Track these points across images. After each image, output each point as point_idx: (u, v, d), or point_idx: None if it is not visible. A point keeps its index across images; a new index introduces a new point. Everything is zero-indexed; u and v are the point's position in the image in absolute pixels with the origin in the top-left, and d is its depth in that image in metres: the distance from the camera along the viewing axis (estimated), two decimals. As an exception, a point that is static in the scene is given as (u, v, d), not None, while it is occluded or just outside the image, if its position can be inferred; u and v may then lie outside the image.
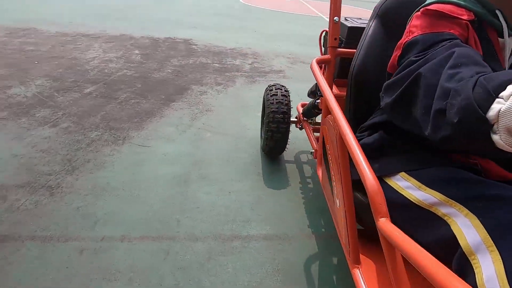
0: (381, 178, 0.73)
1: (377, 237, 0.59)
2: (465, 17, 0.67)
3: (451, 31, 0.65)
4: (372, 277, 0.76)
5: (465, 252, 0.53)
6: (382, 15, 0.96)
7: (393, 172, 0.74)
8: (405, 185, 0.70)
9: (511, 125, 0.37)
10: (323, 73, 1.17)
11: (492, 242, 0.50)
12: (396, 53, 0.74)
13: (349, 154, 0.71)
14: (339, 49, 1.13)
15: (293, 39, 5.13)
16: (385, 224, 0.55)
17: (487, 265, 0.48)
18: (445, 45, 0.61)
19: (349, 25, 1.24)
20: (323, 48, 1.42)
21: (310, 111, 1.49)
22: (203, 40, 4.44)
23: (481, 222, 0.53)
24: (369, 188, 0.59)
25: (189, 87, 2.83)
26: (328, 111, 0.90)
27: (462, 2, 0.68)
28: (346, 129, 0.71)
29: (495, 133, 0.40)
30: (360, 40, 0.99)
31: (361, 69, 0.95)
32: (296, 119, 1.71)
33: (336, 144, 0.79)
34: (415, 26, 0.71)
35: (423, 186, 0.66)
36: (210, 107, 2.47)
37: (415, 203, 0.66)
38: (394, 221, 0.58)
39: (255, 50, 4.24)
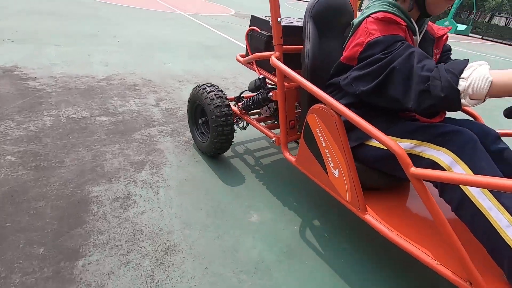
0: (363, 144, 1.05)
1: (371, 188, 1.09)
2: (403, 23, 0.95)
3: (400, 34, 0.93)
4: (380, 217, 1.00)
5: (446, 169, 0.84)
6: (315, 17, 1.21)
7: (366, 136, 1.02)
8: (376, 142, 1.01)
9: (471, 93, 0.73)
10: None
11: (459, 158, 0.84)
12: (357, 48, 0.96)
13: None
14: (284, 46, 1.26)
15: (178, 49, 3.91)
16: (416, 170, 0.79)
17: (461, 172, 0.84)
18: (402, 46, 0.87)
19: (283, 24, 1.29)
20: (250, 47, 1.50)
21: (256, 105, 1.50)
22: (43, 66, 2.59)
23: (447, 149, 0.86)
24: (396, 149, 0.82)
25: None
26: (309, 100, 1.22)
27: (397, 13, 0.96)
28: (349, 112, 0.92)
29: (462, 99, 0.75)
30: (304, 37, 1.22)
31: (314, 61, 1.20)
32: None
33: (336, 126, 0.98)
34: (373, 29, 0.93)
35: (398, 139, 0.96)
36: None
37: (388, 151, 0.91)
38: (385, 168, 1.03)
39: (142, 74, 2.82)
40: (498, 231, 0.77)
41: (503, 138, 1.04)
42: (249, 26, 1.48)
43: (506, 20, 18.36)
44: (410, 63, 0.83)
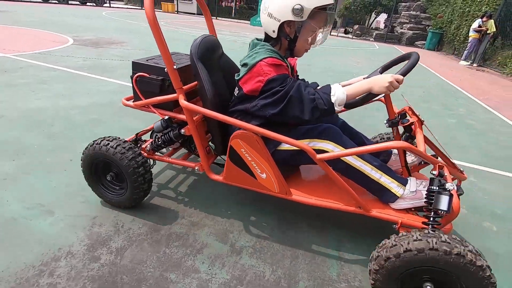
0: (277, 149, 1.38)
1: (287, 178, 1.39)
2: (285, 64, 1.28)
3: (286, 72, 1.27)
4: (301, 193, 1.40)
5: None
6: (201, 58, 1.40)
7: (278, 143, 1.37)
8: (287, 145, 1.34)
9: (339, 103, 1.17)
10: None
11: (336, 144, 1.29)
12: (259, 84, 1.24)
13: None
14: (184, 87, 1.40)
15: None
16: (320, 156, 1.22)
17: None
18: (291, 80, 1.23)
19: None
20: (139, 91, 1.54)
21: (168, 143, 1.59)
22: None
23: (328, 140, 1.30)
24: (304, 147, 1.22)
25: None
26: (219, 127, 1.46)
27: (279, 58, 1.27)
28: (269, 132, 1.24)
29: (335, 107, 1.18)
30: (199, 76, 1.38)
31: (213, 94, 1.39)
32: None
33: (257, 143, 1.29)
34: (268, 70, 1.22)
35: (297, 143, 1.24)
36: None
37: (296, 150, 1.31)
38: (295, 162, 1.43)
39: None
40: (367, 175, 1.32)
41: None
42: (133, 71, 1.51)
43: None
44: (300, 91, 1.20)
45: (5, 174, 1.79)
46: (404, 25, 17.14)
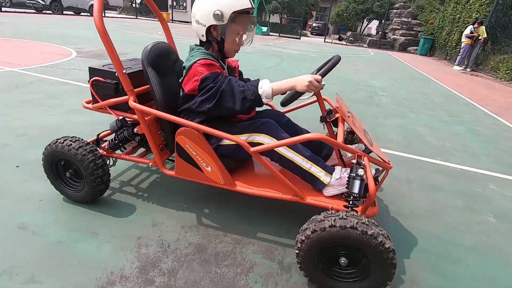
0: (219, 144, 1.50)
1: (231, 170, 1.50)
2: (217, 64, 1.42)
3: (218, 70, 1.40)
4: (244, 185, 1.50)
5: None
6: (152, 63, 1.51)
7: (220, 139, 1.48)
8: (227, 141, 1.46)
9: (265, 95, 1.30)
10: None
11: (271, 137, 1.42)
12: (195, 83, 1.37)
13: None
14: (135, 89, 1.53)
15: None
16: (253, 149, 1.34)
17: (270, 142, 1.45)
18: (222, 77, 1.36)
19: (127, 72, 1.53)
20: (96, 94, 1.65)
21: (124, 142, 1.69)
22: None
23: (265, 134, 1.43)
24: (239, 141, 1.33)
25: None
26: (169, 126, 1.56)
27: (212, 58, 1.41)
28: (208, 128, 1.37)
29: (263, 99, 1.31)
30: (149, 80, 1.49)
31: (163, 96, 1.50)
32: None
33: (199, 139, 1.41)
34: (202, 70, 1.36)
35: (237, 136, 1.40)
36: None
37: (236, 144, 1.40)
38: (236, 156, 1.52)
39: None
40: (299, 165, 1.45)
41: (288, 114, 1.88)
42: (90, 76, 1.63)
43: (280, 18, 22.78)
44: (231, 85, 1.34)
45: (40, 195, 1.78)
46: (396, 31, 17.53)
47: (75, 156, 1.52)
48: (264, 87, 1.32)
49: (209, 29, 1.40)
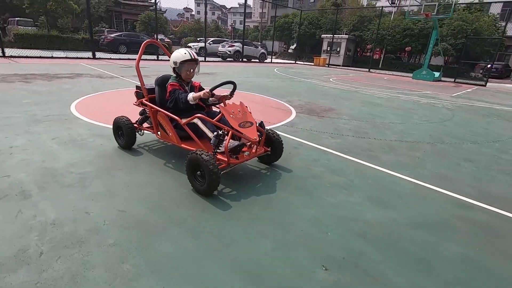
0: (177, 123, 2.80)
1: (183, 138, 2.87)
2: (177, 84, 2.87)
3: (178, 88, 2.85)
4: (186, 144, 2.77)
5: (196, 123, 2.75)
6: (159, 84, 2.97)
7: (176, 119, 2.78)
8: (182, 120, 2.72)
9: (190, 100, 2.72)
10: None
11: (199, 120, 2.74)
12: (168, 94, 2.81)
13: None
14: (149, 95, 3.08)
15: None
16: (181, 121, 2.73)
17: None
18: (179, 91, 2.82)
19: (147, 87, 3.13)
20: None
21: (144, 120, 3.23)
22: None
23: (198, 118, 2.69)
24: (178, 119, 2.71)
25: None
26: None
27: (176, 81, 2.88)
28: (169, 113, 2.77)
29: (190, 102, 2.73)
30: (156, 93, 3.03)
31: (160, 101, 2.99)
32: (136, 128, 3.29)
33: (165, 119, 2.79)
34: (170, 86, 2.81)
35: (184, 119, 2.70)
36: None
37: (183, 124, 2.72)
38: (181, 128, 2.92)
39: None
40: (206, 133, 2.62)
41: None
42: (135, 89, 3.29)
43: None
44: (176, 95, 2.74)
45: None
46: None
47: (124, 126, 3.09)
48: (189, 96, 2.61)
49: (174, 68, 2.85)
